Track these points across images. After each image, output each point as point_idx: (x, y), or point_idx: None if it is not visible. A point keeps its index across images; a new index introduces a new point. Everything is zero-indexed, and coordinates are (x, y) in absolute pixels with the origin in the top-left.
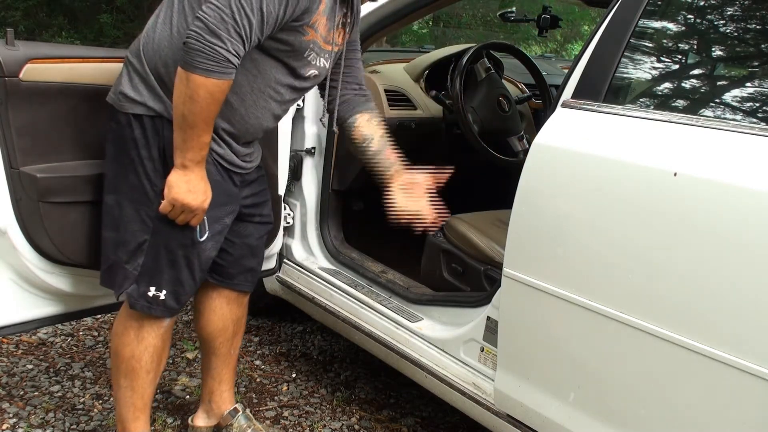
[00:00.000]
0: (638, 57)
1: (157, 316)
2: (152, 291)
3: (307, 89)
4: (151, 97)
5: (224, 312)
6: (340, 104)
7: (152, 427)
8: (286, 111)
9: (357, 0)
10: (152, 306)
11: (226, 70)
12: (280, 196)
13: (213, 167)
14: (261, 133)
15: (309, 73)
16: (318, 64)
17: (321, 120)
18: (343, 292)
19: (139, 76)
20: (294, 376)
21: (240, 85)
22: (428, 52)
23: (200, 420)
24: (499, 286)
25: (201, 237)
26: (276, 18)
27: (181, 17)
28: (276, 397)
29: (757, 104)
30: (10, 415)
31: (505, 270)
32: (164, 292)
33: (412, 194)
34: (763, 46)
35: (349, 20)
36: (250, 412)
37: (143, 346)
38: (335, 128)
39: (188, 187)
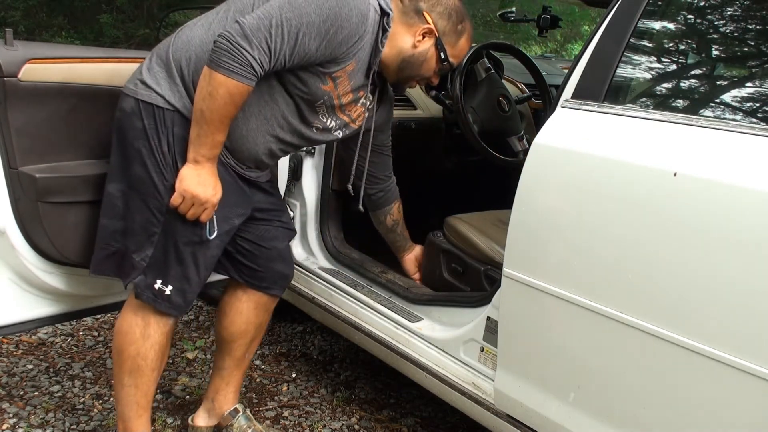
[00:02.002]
0: (638, 57)
1: (162, 313)
2: (158, 284)
3: (307, 141)
4: (168, 86)
5: (250, 315)
6: (381, 193)
7: (152, 427)
8: (283, 153)
9: (389, 96)
10: (157, 299)
11: (248, 75)
12: (280, 196)
13: (223, 168)
14: (252, 162)
15: (314, 124)
16: (325, 121)
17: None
18: (343, 292)
19: (161, 64)
20: (294, 376)
21: (250, 105)
22: None
23: (200, 419)
24: (499, 286)
25: (210, 235)
26: (306, 52)
27: (220, 24)
28: (276, 397)
29: (757, 104)
30: (10, 415)
31: (505, 270)
32: (170, 287)
33: (418, 261)
34: (763, 46)
35: (371, 105)
36: (250, 412)
37: (149, 344)
38: (361, 207)
39: (198, 180)
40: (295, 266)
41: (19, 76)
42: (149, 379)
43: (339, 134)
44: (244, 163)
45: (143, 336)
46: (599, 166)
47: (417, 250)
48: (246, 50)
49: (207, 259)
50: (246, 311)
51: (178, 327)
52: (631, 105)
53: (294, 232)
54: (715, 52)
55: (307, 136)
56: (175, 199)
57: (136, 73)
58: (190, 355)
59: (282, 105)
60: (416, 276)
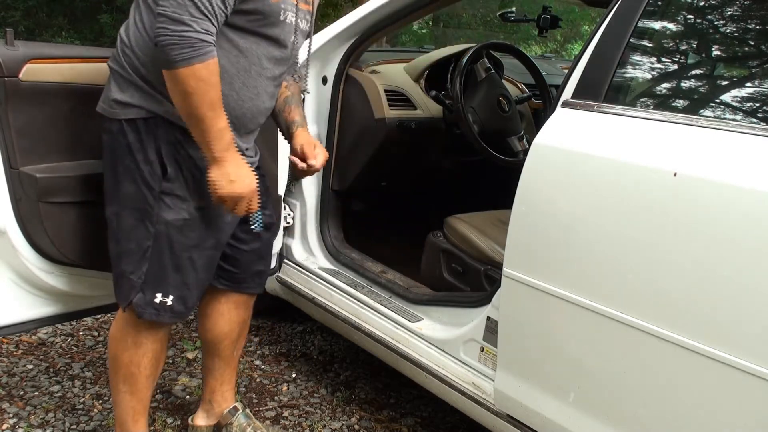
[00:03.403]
0: (638, 57)
1: (162, 323)
2: (159, 297)
3: (291, 58)
4: (142, 97)
5: (232, 315)
6: None
7: (152, 427)
8: (279, 86)
9: None
10: (160, 313)
11: (205, 50)
12: (280, 196)
13: None
14: (262, 116)
15: (292, 39)
16: (300, 25)
17: (295, 75)
18: (343, 292)
19: (125, 80)
20: (294, 376)
21: (225, 69)
22: (428, 52)
23: (200, 420)
24: (499, 286)
25: (254, 224)
26: None
27: (150, 16)
28: (276, 397)
29: (757, 104)
30: (10, 415)
31: (505, 270)
32: (171, 297)
33: (308, 153)
34: (763, 46)
35: None
36: (250, 411)
37: (142, 351)
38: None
39: (229, 178)
40: (296, 266)
41: (20, 75)
42: (144, 386)
43: (306, 27)
44: (255, 125)
45: (135, 344)
46: (599, 166)
47: (301, 138)
48: (186, 31)
49: (205, 260)
50: (227, 312)
51: (177, 327)
52: (631, 105)
53: (276, 224)
54: (715, 52)
55: (290, 54)
56: (217, 206)
57: (106, 92)
58: (190, 355)
59: (254, 48)
60: (302, 165)
